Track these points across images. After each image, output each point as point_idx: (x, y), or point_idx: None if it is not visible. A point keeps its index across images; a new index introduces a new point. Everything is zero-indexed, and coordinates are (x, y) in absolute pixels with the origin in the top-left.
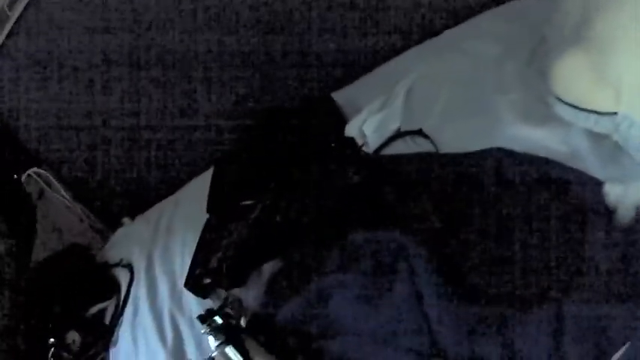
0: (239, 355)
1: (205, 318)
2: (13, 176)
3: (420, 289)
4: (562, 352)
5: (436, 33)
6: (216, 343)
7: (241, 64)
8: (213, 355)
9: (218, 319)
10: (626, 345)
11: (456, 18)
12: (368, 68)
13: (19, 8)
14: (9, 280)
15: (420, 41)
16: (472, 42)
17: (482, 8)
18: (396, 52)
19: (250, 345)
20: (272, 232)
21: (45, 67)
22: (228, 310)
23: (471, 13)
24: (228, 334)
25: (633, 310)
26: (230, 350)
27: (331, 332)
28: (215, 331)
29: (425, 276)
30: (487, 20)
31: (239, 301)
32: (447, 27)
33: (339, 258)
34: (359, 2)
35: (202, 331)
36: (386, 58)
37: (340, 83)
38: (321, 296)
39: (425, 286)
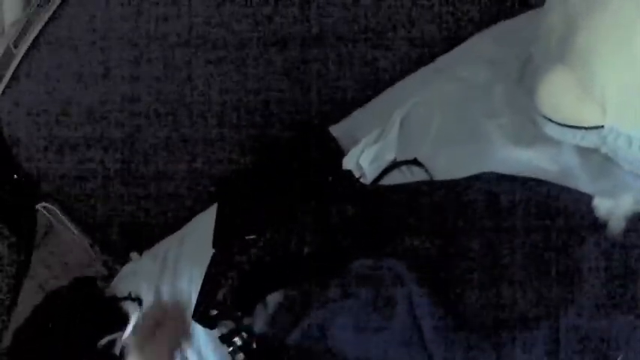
0: None
1: (227, 337)
2: (13, 176)
3: (418, 318)
4: None
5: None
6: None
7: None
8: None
9: (238, 340)
10: (621, 356)
11: None
12: None
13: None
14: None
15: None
16: (464, 67)
17: None
18: None
19: None
20: (274, 265)
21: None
22: (243, 334)
23: None
24: (247, 354)
25: (630, 321)
26: None
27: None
28: (235, 350)
29: (422, 305)
30: (478, 43)
31: (250, 326)
32: None
33: (340, 288)
34: None
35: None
36: None
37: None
38: (322, 326)
39: (422, 315)
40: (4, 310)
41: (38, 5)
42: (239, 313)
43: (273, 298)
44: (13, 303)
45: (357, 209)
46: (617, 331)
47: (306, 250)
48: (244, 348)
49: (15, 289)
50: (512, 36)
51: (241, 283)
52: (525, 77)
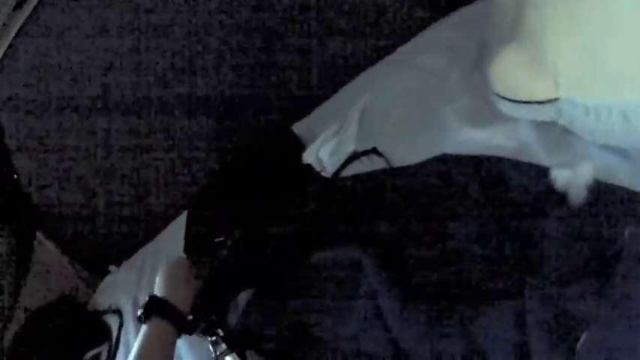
0: None
1: (208, 329)
2: (13, 176)
3: (378, 299)
4: (526, 343)
5: None
6: (218, 352)
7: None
8: None
9: (220, 331)
10: (590, 327)
11: None
12: None
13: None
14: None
15: None
16: (422, 56)
17: None
18: None
19: (250, 354)
20: (242, 265)
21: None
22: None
23: None
24: (229, 344)
25: (594, 292)
26: (230, 358)
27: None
28: (217, 341)
29: (379, 286)
30: (437, 31)
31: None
32: None
33: (303, 281)
34: None
35: (210, 340)
36: None
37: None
38: (292, 321)
39: (381, 295)
40: (4, 309)
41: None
42: (214, 317)
43: (243, 298)
44: (14, 303)
45: (319, 202)
46: (583, 303)
47: (268, 249)
48: (225, 338)
49: (15, 289)
50: (471, 22)
51: (210, 285)
52: (481, 60)
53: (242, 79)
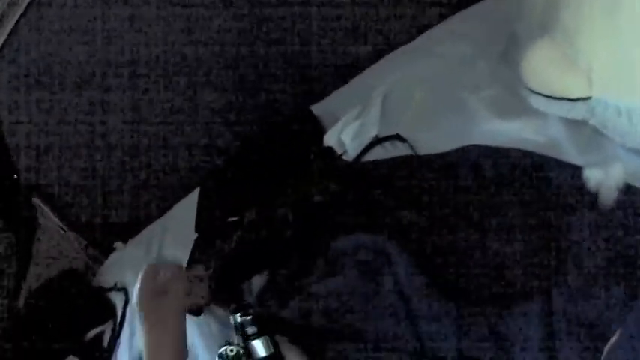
0: (271, 347)
1: (239, 309)
2: (13, 176)
3: (406, 292)
4: (554, 344)
5: None
6: (250, 333)
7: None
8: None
9: (252, 312)
10: (619, 330)
11: None
12: None
13: None
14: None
15: None
16: (445, 45)
17: None
18: None
19: (279, 338)
20: (258, 246)
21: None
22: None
23: None
24: (261, 326)
25: (624, 293)
26: (260, 342)
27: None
28: (247, 322)
29: (409, 278)
30: (458, 22)
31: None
32: None
33: (324, 266)
34: None
35: (238, 320)
36: None
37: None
38: (309, 306)
39: (409, 289)
40: (5, 308)
41: None
42: (224, 299)
43: (258, 280)
44: (14, 303)
45: (340, 186)
46: (611, 306)
47: (289, 230)
48: (256, 320)
49: (15, 289)
50: (493, 14)
51: (225, 266)
52: (509, 53)
53: None
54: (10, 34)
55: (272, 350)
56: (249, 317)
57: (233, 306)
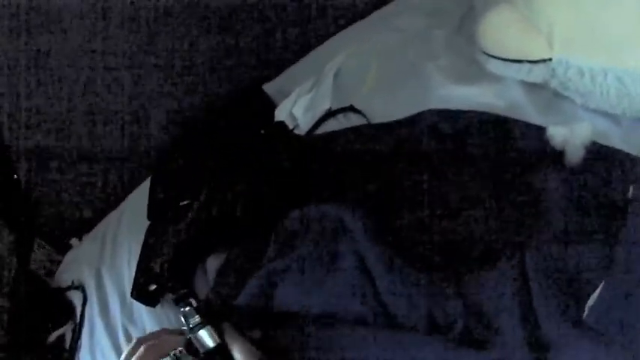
0: (216, 337)
1: (181, 298)
2: (13, 176)
3: (369, 266)
4: (532, 306)
5: None
6: (193, 324)
7: None
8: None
9: (193, 302)
10: (600, 286)
11: None
12: None
13: None
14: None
15: None
16: (401, 18)
17: None
18: None
19: (226, 327)
20: (210, 228)
21: None
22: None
23: None
24: (203, 316)
25: (601, 249)
26: (205, 332)
27: (283, 319)
28: (190, 313)
29: (367, 247)
30: None
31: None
32: None
33: (277, 243)
34: None
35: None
36: None
37: None
38: (266, 285)
39: (369, 258)
40: (4, 309)
41: None
42: (178, 286)
43: (212, 264)
44: (13, 303)
45: (292, 160)
46: (589, 263)
47: (239, 209)
48: (199, 309)
49: (15, 289)
50: None
51: (178, 251)
52: (465, 25)
53: None
54: None
55: (217, 340)
56: (189, 308)
57: (172, 297)
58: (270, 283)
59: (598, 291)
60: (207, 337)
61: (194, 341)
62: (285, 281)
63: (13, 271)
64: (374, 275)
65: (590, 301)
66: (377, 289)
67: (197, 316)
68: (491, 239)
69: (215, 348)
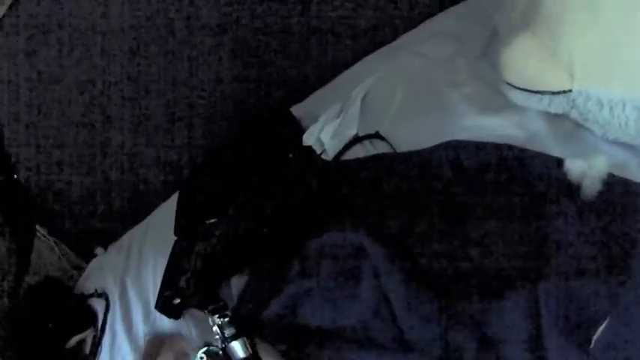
0: (249, 348)
1: (217, 310)
2: (13, 176)
3: (385, 289)
4: (542, 336)
5: None
6: (229, 335)
7: None
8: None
9: (229, 312)
10: (607, 320)
11: None
12: None
13: None
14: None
15: None
16: (427, 44)
17: None
18: None
19: (258, 340)
20: (236, 247)
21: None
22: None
23: None
24: (239, 328)
25: (611, 283)
26: (239, 344)
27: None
28: (225, 324)
29: (385, 272)
30: (441, 21)
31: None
32: None
33: (300, 266)
34: None
35: (217, 322)
36: None
37: None
38: (291, 303)
39: (388, 286)
40: (4, 311)
41: None
42: (204, 300)
43: (238, 281)
44: (13, 304)
45: (319, 184)
46: (599, 296)
47: (265, 230)
48: (234, 321)
49: (15, 290)
50: (476, 13)
51: (204, 268)
52: (490, 50)
53: None
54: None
55: (250, 351)
56: (227, 319)
57: (211, 307)
58: (294, 303)
59: (604, 324)
60: (240, 348)
61: (227, 351)
62: (307, 302)
63: (14, 270)
64: (391, 300)
65: (597, 334)
66: (394, 314)
67: (232, 327)
68: (504, 269)
69: (246, 359)
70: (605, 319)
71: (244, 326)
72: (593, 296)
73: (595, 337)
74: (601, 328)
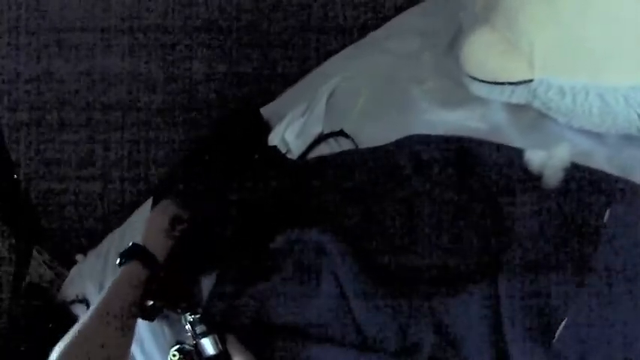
0: (219, 345)
1: (189, 308)
2: (13, 176)
3: (345, 288)
4: (502, 330)
5: None
6: (199, 332)
7: None
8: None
9: (200, 311)
10: (568, 314)
11: None
12: None
13: None
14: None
15: None
16: (393, 40)
17: None
18: None
19: (228, 337)
20: (203, 248)
21: None
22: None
23: None
24: (210, 325)
25: (572, 277)
26: (209, 341)
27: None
28: (196, 322)
29: (345, 271)
30: (408, 17)
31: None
32: None
33: (266, 264)
34: None
35: (189, 319)
36: None
37: None
38: (255, 304)
39: (346, 283)
40: (4, 310)
41: None
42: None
43: (208, 280)
44: (13, 303)
45: (281, 183)
46: (559, 291)
47: (229, 231)
48: (204, 319)
49: (15, 290)
50: (442, 9)
51: (171, 270)
52: (454, 46)
53: None
54: None
55: (220, 349)
56: (198, 316)
57: (183, 305)
58: (261, 300)
59: (567, 318)
60: (210, 345)
61: (198, 347)
62: (273, 300)
63: (13, 271)
64: (348, 296)
65: (560, 327)
66: (352, 310)
67: (203, 325)
68: (463, 264)
69: (216, 356)
70: (567, 313)
71: (215, 324)
72: (553, 290)
73: (558, 332)
74: (563, 322)
